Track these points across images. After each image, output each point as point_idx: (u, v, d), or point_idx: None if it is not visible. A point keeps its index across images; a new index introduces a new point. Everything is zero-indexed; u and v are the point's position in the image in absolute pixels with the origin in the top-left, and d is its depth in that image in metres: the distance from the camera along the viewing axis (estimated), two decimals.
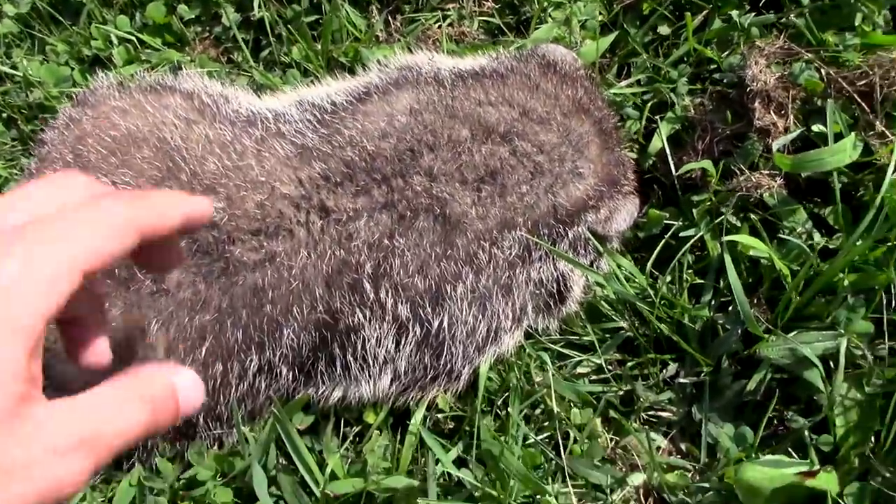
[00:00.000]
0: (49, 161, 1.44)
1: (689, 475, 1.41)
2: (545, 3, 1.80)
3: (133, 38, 2.02)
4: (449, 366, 1.39)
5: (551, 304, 1.46)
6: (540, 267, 1.39)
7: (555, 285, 1.42)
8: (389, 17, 1.97)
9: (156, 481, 1.47)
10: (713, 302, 1.51)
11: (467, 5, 1.91)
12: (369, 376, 1.39)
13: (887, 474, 1.27)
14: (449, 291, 1.33)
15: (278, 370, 1.35)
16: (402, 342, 1.35)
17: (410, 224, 1.31)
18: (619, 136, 1.53)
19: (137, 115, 1.44)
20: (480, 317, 1.36)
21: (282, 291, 1.29)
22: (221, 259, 1.29)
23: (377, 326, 1.33)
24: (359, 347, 1.35)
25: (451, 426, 1.47)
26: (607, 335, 1.52)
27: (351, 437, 1.49)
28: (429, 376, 1.40)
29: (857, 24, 1.56)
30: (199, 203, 0.85)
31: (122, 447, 0.75)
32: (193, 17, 2.05)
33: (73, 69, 2.05)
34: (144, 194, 0.80)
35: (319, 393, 1.42)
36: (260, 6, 1.98)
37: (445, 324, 1.34)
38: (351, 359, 1.36)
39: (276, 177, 1.33)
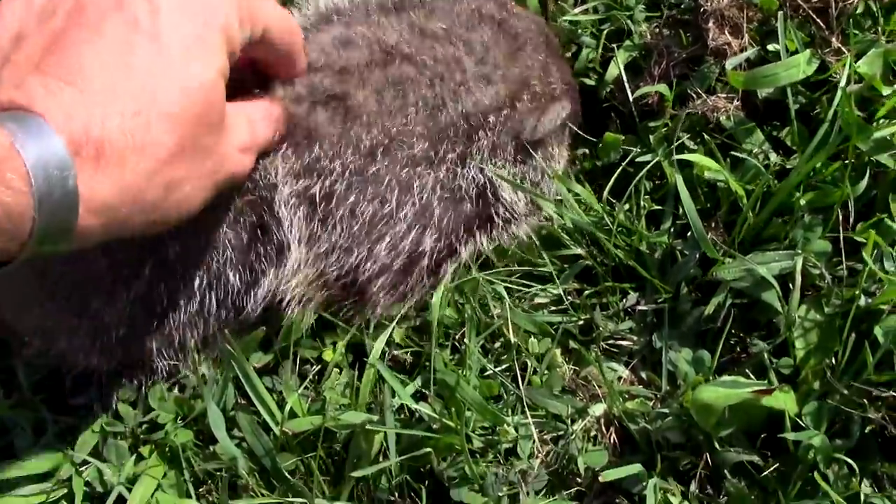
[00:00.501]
0: None
1: (651, 403, 1.40)
2: None
3: None
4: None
5: (489, 215, 1.46)
6: (450, 170, 1.38)
7: (475, 190, 1.41)
8: None
9: (117, 426, 1.46)
10: (672, 229, 1.49)
11: None
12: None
13: (845, 391, 1.25)
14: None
15: (225, 278, 1.34)
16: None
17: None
18: (539, 41, 1.50)
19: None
20: (379, 206, 1.36)
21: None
22: None
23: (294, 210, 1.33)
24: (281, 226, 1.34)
25: (409, 360, 1.46)
26: (565, 265, 1.50)
27: (310, 377, 1.48)
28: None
29: None
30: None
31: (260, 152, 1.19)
32: None
33: None
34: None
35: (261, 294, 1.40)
36: None
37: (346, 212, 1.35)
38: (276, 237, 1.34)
39: None
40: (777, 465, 1.27)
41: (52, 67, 0.86)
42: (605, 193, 1.52)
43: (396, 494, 1.35)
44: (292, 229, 1.33)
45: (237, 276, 1.34)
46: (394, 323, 1.42)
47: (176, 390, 1.49)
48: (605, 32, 1.64)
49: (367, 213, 1.36)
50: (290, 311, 1.43)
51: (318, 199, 1.32)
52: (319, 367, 1.49)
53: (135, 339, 1.37)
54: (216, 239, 1.30)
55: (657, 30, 1.61)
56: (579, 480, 1.36)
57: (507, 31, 1.46)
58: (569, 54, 1.68)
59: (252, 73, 1.23)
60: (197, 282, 1.33)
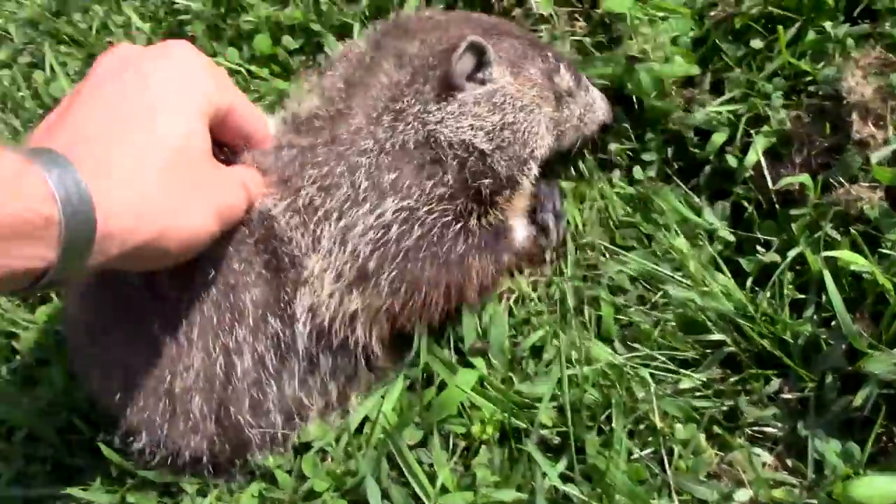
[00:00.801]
0: None
1: (796, 492, 1.42)
2: (636, 21, 1.83)
3: (242, 70, 2.13)
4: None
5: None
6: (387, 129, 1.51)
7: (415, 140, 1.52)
8: None
9: (275, 492, 1.56)
10: (815, 317, 1.51)
11: (560, 26, 1.96)
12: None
13: None
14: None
15: (267, 328, 1.48)
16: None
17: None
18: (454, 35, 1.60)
19: None
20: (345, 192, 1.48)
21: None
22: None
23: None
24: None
25: (556, 441, 1.51)
26: (708, 350, 1.54)
27: (459, 452, 1.55)
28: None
29: None
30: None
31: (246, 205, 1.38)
32: (297, 47, 2.15)
33: None
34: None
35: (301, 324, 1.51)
36: (359, 33, 2.07)
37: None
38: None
39: None
40: None
41: (61, 123, 1.12)
42: (749, 282, 1.55)
43: None
44: (300, 243, 1.46)
45: (276, 319, 1.47)
46: (543, 404, 1.49)
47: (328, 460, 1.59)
48: (743, 118, 1.68)
49: (340, 204, 1.47)
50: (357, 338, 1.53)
51: (303, 209, 1.45)
52: (467, 441, 1.56)
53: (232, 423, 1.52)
54: (244, 302, 1.45)
55: (796, 116, 1.64)
56: None
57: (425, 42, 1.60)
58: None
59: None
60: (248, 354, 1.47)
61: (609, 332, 1.61)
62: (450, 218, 1.51)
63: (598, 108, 1.76)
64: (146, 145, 1.13)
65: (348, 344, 1.52)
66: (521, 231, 1.70)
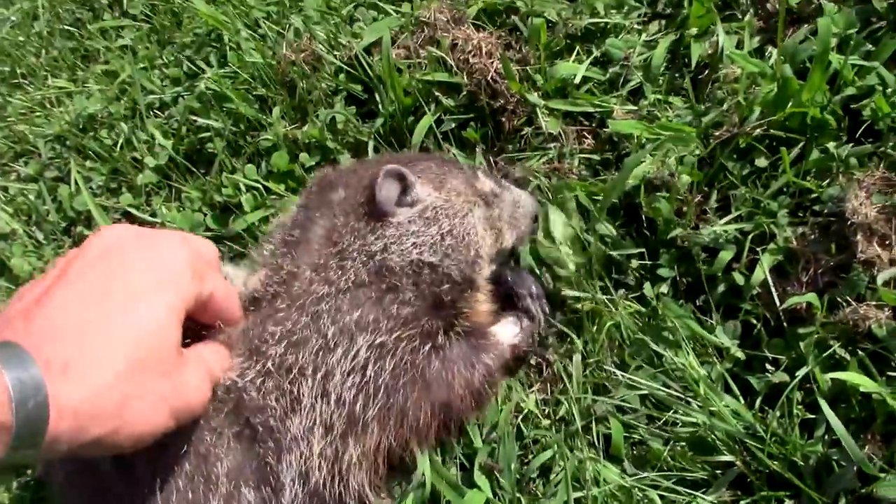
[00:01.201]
0: None
1: None
2: (643, 140, 1.87)
3: (259, 186, 2.19)
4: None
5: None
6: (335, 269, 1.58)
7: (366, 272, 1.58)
8: (492, 158, 2.08)
9: None
10: (826, 437, 1.49)
11: (568, 143, 2.00)
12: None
13: None
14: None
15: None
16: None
17: None
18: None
19: None
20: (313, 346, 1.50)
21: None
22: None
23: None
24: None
25: None
26: (717, 471, 1.52)
27: None
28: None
29: None
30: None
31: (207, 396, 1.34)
32: (314, 163, 2.21)
33: (205, 215, 2.24)
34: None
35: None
36: (374, 151, 2.13)
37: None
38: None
39: None
40: None
41: (35, 312, 1.14)
42: (758, 402, 1.54)
43: None
44: (276, 409, 1.45)
45: (250, 491, 1.43)
46: None
47: None
48: (749, 236, 1.70)
49: (313, 356, 1.48)
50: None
51: (275, 371, 1.47)
52: None
53: None
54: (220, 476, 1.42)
55: (801, 234, 1.66)
56: None
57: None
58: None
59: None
60: None
61: (618, 452, 1.59)
62: (417, 342, 1.54)
63: (525, 203, 1.86)
64: (120, 335, 1.15)
65: (344, 499, 1.50)
66: (506, 329, 1.75)
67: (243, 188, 2.20)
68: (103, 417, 1.11)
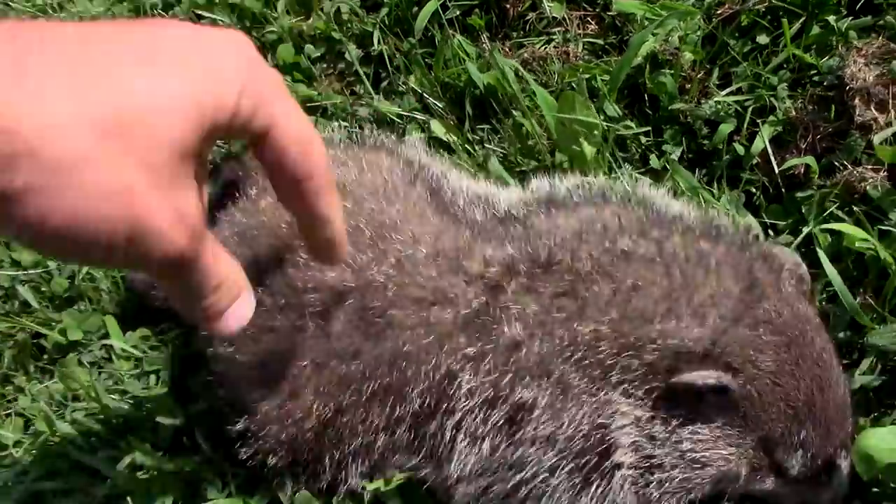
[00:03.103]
0: (265, 191, 1.62)
1: None
2: (646, 22, 1.90)
3: None
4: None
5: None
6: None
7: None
8: (499, 43, 2.11)
9: None
10: (824, 294, 1.55)
11: (572, 28, 2.03)
12: (456, 455, 1.38)
13: None
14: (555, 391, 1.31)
15: (399, 429, 1.41)
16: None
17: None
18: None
19: (352, 168, 1.58)
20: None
21: (422, 355, 1.36)
22: (383, 319, 1.38)
23: (479, 407, 1.35)
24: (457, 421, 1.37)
25: None
26: None
27: None
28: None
29: None
30: None
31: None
32: (319, 55, 2.24)
33: None
34: None
35: (416, 464, 1.44)
36: (379, 41, 2.15)
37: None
38: (449, 432, 1.38)
39: (459, 258, 1.40)
40: None
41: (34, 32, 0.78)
42: None
43: None
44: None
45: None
46: None
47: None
48: (749, 109, 1.74)
49: None
50: None
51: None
52: None
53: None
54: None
55: (801, 105, 1.70)
56: None
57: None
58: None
59: None
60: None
61: None
62: None
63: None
64: (110, 89, 0.78)
65: None
66: None
67: None
68: (45, 163, 0.73)
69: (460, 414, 1.35)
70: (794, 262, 1.41)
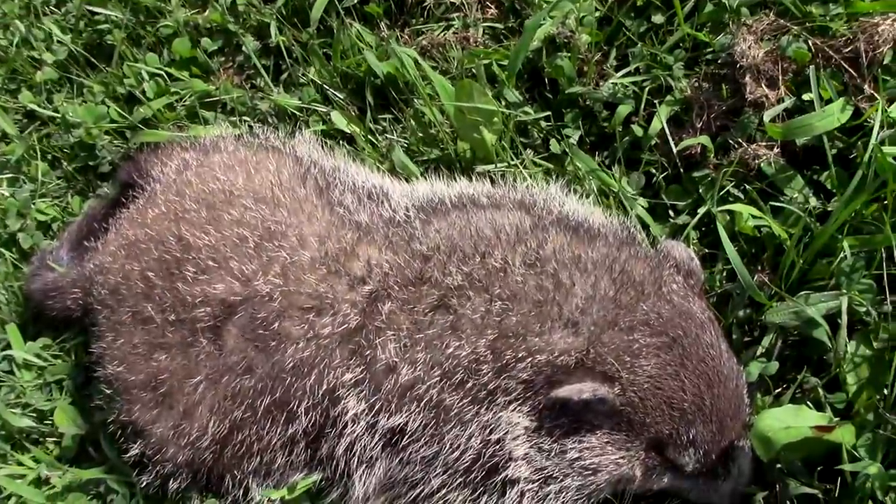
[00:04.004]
0: (152, 200, 1.59)
1: None
2: (544, 4, 1.88)
3: (162, 73, 2.15)
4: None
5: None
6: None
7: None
8: (398, 31, 2.07)
9: None
10: (724, 272, 1.57)
11: (471, 13, 2.00)
12: (358, 478, 1.39)
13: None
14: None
15: (296, 448, 1.41)
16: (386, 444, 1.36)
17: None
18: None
19: (239, 174, 1.56)
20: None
21: (305, 369, 1.35)
22: (272, 331, 1.37)
23: (365, 431, 1.36)
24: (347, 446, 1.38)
25: None
26: None
27: None
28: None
29: None
30: None
31: None
32: (216, 48, 2.18)
33: (108, 107, 2.19)
34: None
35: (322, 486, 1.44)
36: (276, 33, 2.10)
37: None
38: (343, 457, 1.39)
39: (342, 261, 1.39)
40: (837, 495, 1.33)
41: None
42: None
43: None
44: None
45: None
46: None
47: None
48: (646, 90, 1.74)
49: None
50: None
51: None
52: None
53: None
54: None
55: (696, 84, 1.70)
56: None
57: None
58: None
59: None
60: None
61: None
62: None
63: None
64: None
65: None
66: None
67: (146, 76, 2.15)
68: None
69: (349, 439, 1.36)
70: (687, 256, 1.41)
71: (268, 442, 1.39)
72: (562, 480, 1.30)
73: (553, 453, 1.30)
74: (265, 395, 1.36)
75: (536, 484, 1.31)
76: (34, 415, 1.80)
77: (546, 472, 1.30)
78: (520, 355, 1.26)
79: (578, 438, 1.29)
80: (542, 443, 1.29)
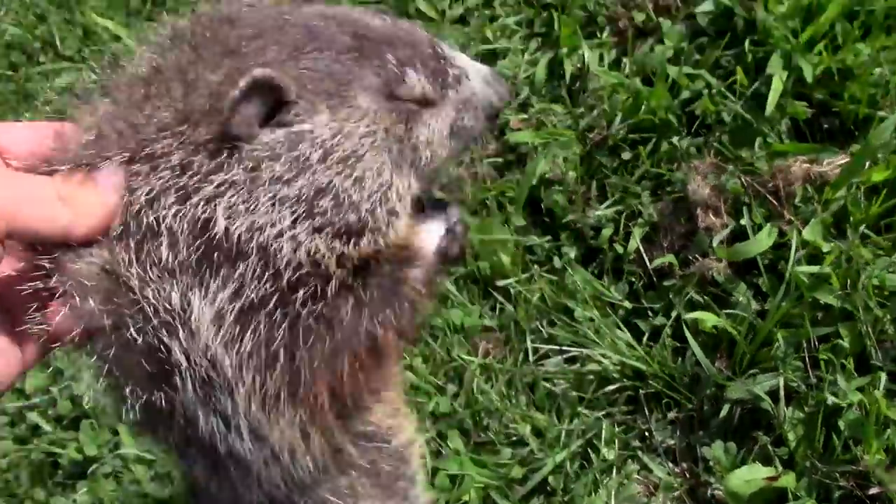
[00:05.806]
0: None
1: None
2: (536, 143, 2.39)
3: None
4: None
5: None
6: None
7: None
8: None
9: None
10: (693, 360, 2.07)
11: (476, 153, 2.50)
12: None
13: (824, 469, 1.81)
14: None
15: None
16: None
17: None
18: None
19: None
20: None
21: None
22: None
23: None
24: None
25: None
26: (615, 394, 2.10)
27: None
28: None
29: (762, 139, 2.13)
30: None
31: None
32: None
33: None
34: None
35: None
36: None
37: None
38: None
39: None
40: None
41: None
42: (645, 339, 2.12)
43: None
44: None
45: None
46: None
47: None
48: (623, 215, 2.25)
49: None
50: None
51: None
52: None
53: None
54: None
55: (661, 210, 2.22)
56: None
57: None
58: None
59: None
60: None
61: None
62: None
63: (480, 97, 1.19)
64: None
65: None
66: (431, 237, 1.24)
67: None
68: None
69: None
70: None
71: None
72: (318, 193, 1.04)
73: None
74: None
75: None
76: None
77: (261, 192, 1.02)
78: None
79: (284, 134, 1.03)
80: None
